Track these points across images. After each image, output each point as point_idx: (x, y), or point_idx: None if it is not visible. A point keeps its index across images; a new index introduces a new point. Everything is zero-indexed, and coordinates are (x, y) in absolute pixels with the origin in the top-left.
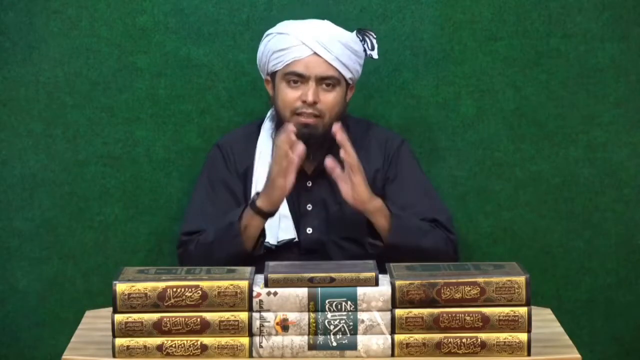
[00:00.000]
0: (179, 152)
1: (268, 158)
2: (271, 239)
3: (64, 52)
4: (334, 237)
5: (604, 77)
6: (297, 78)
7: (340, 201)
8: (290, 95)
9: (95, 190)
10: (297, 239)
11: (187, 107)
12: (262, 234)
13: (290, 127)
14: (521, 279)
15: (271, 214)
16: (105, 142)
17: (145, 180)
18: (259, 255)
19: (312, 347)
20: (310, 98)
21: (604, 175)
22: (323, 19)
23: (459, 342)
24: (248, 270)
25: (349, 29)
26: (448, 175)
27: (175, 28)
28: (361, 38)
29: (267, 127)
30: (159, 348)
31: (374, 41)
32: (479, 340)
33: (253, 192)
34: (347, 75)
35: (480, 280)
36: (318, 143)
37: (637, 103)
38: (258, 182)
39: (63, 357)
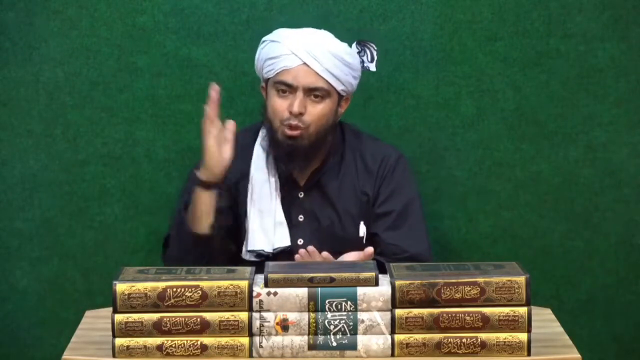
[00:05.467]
0: (179, 152)
1: (263, 163)
2: (267, 246)
3: (64, 52)
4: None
5: (604, 77)
6: (285, 88)
7: (331, 217)
8: (278, 104)
9: (95, 190)
10: (290, 248)
11: (187, 107)
12: (219, 212)
13: (214, 88)
14: (521, 279)
15: (213, 185)
16: (105, 142)
17: (145, 180)
18: (250, 263)
19: (312, 347)
20: (295, 109)
21: (604, 175)
22: (323, 19)
23: (459, 342)
24: (248, 270)
25: (349, 29)
26: (448, 175)
27: (175, 28)
28: (360, 49)
29: (262, 134)
30: (159, 348)
31: (375, 53)
32: (479, 340)
33: (249, 197)
34: (339, 87)
35: (480, 280)
36: (302, 154)
37: (637, 103)
38: (254, 187)
39: (63, 357)
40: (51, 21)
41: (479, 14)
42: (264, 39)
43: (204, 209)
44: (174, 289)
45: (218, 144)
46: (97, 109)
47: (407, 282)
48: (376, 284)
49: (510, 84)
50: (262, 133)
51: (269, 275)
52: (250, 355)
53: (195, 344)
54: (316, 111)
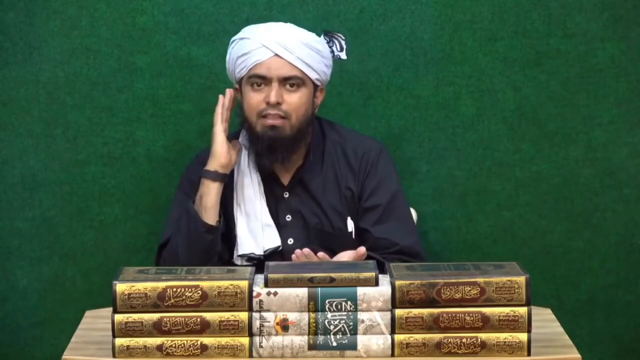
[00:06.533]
0: (179, 152)
1: (246, 168)
2: (257, 249)
3: (64, 52)
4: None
5: (604, 77)
6: (260, 80)
7: (318, 214)
8: (254, 98)
9: (95, 190)
10: (281, 248)
11: (187, 107)
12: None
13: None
14: (521, 279)
15: (220, 175)
16: (105, 142)
17: (145, 180)
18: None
19: (312, 347)
20: (273, 99)
21: (604, 175)
22: (323, 19)
23: (459, 342)
24: (248, 270)
25: (349, 29)
26: (448, 175)
27: (175, 28)
28: (328, 40)
29: (242, 137)
30: (159, 348)
31: (343, 43)
32: (479, 340)
33: (234, 202)
34: (313, 75)
35: (480, 280)
36: (284, 146)
37: (637, 103)
38: (239, 191)
39: (63, 357)
40: (51, 21)
41: (479, 14)
42: (232, 39)
43: (213, 200)
44: (174, 289)
45: (226, 132)
46: (97, 109)
47: (407, 282)
48: (376, 284)
49: (510, 84)
50: (241, 136)
51: (269, 275)
52: (250, 355)
53: (195, 344)
54: (293, 100)
